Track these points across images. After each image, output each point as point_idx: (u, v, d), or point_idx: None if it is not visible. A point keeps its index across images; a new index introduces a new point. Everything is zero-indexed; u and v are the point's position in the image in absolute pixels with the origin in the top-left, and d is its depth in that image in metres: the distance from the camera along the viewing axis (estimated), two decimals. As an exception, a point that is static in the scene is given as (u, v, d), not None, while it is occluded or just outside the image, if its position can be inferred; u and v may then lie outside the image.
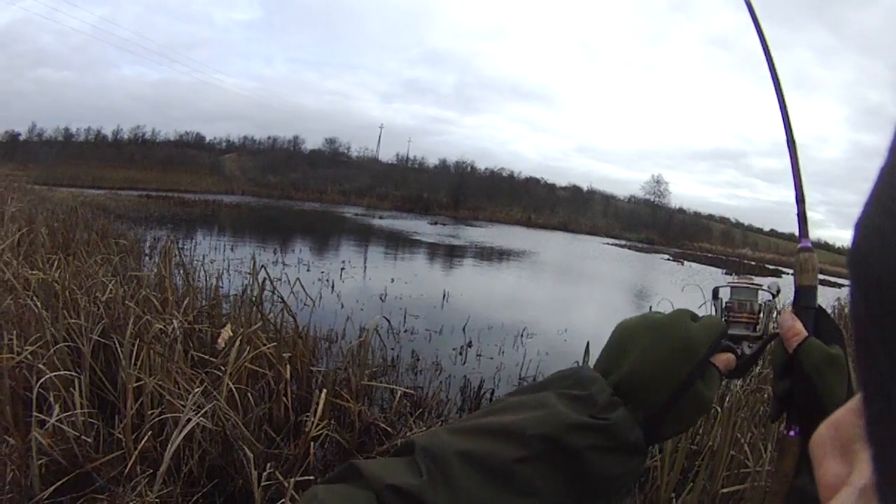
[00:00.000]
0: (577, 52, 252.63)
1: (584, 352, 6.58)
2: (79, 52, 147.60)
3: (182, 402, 3.88)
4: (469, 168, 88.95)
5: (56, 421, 3.64)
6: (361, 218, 45.38)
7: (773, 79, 1.09)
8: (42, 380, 3.88)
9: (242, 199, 50.91)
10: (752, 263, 51.09)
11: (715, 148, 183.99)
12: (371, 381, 5.69)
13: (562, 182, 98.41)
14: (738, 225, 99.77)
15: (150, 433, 3.78)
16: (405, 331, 9.22)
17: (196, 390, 3.92)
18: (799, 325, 0.83)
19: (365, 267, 16.95)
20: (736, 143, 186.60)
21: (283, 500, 3.29)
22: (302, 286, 7.24)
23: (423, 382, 6.50)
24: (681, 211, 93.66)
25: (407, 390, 5.67)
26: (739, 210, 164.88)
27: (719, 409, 4.73)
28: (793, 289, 0.91)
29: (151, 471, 3.54)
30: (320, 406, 4.34)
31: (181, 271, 7.49)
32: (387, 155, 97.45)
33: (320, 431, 4.36)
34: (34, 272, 6.07)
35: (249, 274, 6.76)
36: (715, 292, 0.97)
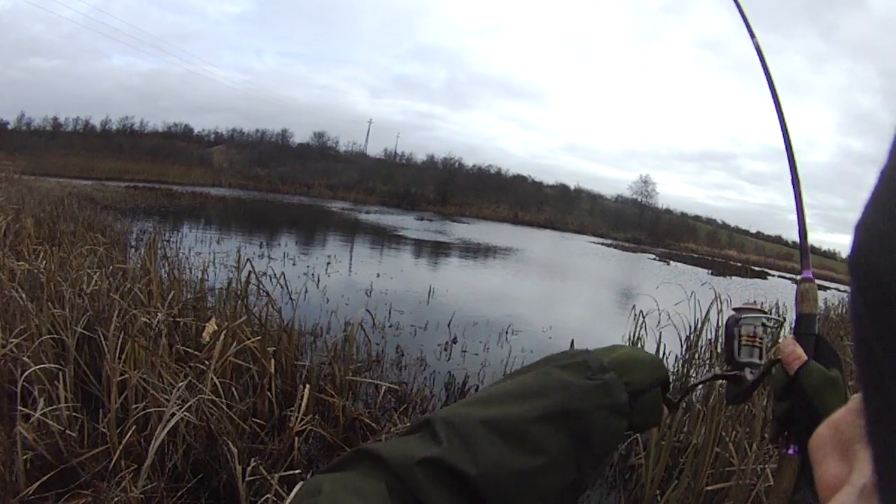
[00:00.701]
0: (568, 51, 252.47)
1: (568, 349, 6.62)
2: (69, 41, 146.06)
3: (166, 397, 3.86)
4: (457, 164, 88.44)
5: (41, 415, 3.62)
6: (348, 212, 45.12)
7: (775, 106, 1.11)
8: (27, 373, 3.86)
9: (230, 191, 50.51)
10: (738, 265, 51.21)
11: (703, 149, 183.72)
12: (356, 376, 5.68)
13: (549, 180, 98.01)
14: (725, 226, 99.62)
15: (134, 427, 3.76)
16: (390, 326, 9.21)
17: (180, 384, 3.90)
18: (800, 350, 0.86)
19: (351, 262, 16.88)
20: (725, 145, 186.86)
21: (267, 494, 3.29)
22: (285, 281, 7.22)
23: (408, 378, 6.50)
24: (668, 211, 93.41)
25: (391, 385, 5.67)
26: (726, 212, 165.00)
27: (703, 408, 4.76)
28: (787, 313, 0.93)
29: (136, 466, 3.52)
30: (304, 401, 4.34)
31: (166, 264, 7.45)
32: (375, 150, 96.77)
33: (305, 426, 4.36)
34: (20, 263, 6.04)
35: (235, 267, 6.74)
36: (729, 322, 1.00)
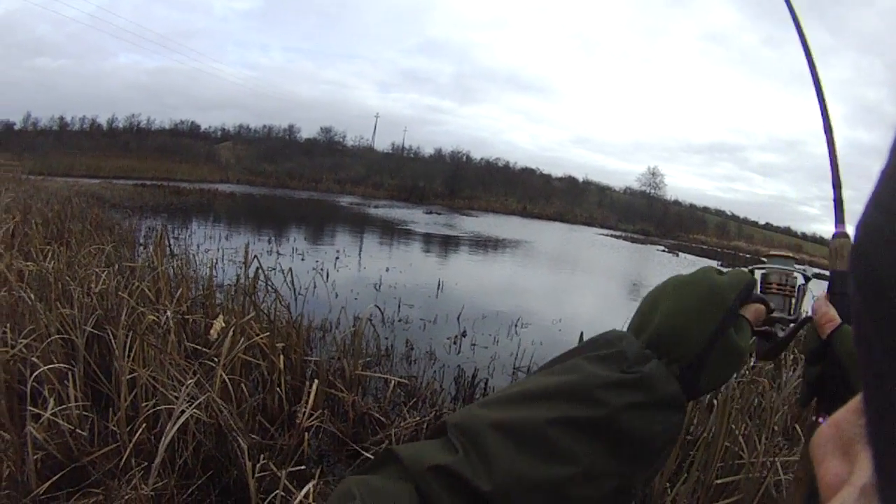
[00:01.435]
0: (575, 44, 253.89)
1: (577, 341, 6.62)
2: (75, 40, 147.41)
3: (176, 394, 3.87)
4: (465, 158, 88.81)
5: (51, 415, 3.63)
6: (356, 207, 45.29)
7: (809, 67, 1.08)
8: (36, 373, 3.87)
9: (237, 187, 50.74)
10: (748, 256, 51.14)
11: (712, 141, 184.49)
12: (365, 370, 5.69)
13: (557, 172, 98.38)
14: (734, 218, 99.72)
15: (144, 425, 3.78)
16: (399, 320, 9.27)
17: (189, 381, 3.92)
18: (833, 312, 0.82)
19: (359, 256, 16.96)
20: (733, 137, 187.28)
21: (276, 490, 3.30)
22: (292, 277, 7.23)
23: (418, 372, 6.49)
24: (676, 203, 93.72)
25: (401, 380, 5.67)
26: (735, 203, 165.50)
27: (714, 401, 4.75)
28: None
29: (146, 463, 3.53)
30: (313, 396, 4.34)
31: (174, 261, 7.47)
32: (382, 144, 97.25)
33: (314, 422, 4.37)
34: (28, 264, 6.06)
35: (243, 264, 6.75)
36: (751, 272, 0.90)
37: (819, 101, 1.04)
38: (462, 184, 77.94)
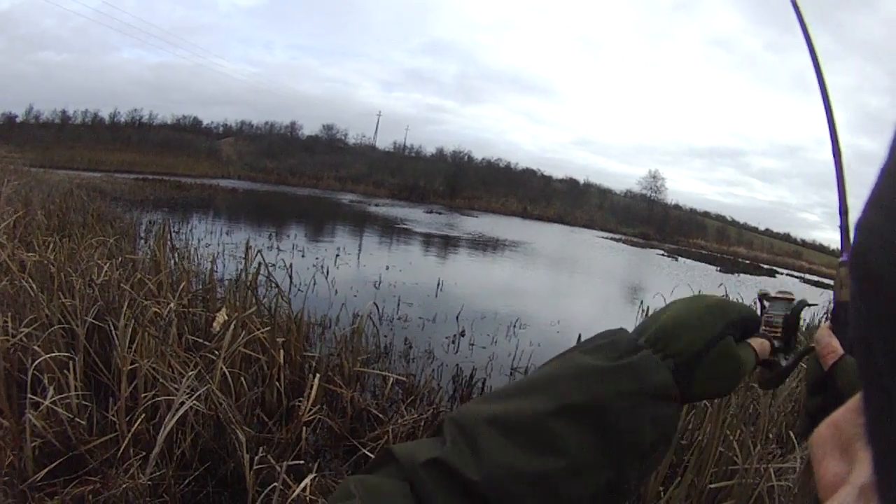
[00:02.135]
0: (579, 47, 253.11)
1: (575, 343, 6.62)
2: (79, 35, 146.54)
3: (175, 386, 3.88)
4: (466, 158, 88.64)
5: (50, 403, 3.64)
6: (357, 205, 45.18)
7: (820, 87, 1.08)
8: (37, 362, 3.88)
9: (239, 183, 50.68)
10: (747, 262, 51.05)
11: (713, 146, 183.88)
12: (364, 367, 5.69)
13: (558, 174, 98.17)
14: (734, 223, 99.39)
15: (143, 416, 3.79)
16: (398, 318, 9.27)
17: (190, 374, 3.92)
18: (836, 343, 0.81)
19: (359, 254, 16.93)
20: (734, 142, 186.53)
21: (274, 483, 3.31)
22: (292, 273, 7.23)
23: (416, 370, 6.52)
24: (677, 207, 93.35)
25: (399, 377, 5.69)
26: (735, 208, 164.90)
27: (708, 405, 4.75)
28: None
29: (144, 454, 3.53)
30: (313, 391, 4.35)
31: (175, 255, 7.47)
32: (384, 142, 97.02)
33: (312, 416, 4.37)
34: (30, 254, 6.06)
35: (244, 258, 6.75)
36: (761, 297, 0.94)
37: (828, 121, 1.04)
38: (463, 184, 77.63)
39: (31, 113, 76.53)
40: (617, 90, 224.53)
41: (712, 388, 0.72)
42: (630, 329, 0.73)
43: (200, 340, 4.94)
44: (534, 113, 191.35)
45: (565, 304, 14.28)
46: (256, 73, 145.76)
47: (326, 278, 9.64)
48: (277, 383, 4.78)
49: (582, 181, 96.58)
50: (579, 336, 5.90)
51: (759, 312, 0.88)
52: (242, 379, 4.56)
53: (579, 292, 17.82)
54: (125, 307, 4.53)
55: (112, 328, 4.44)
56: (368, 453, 4.23)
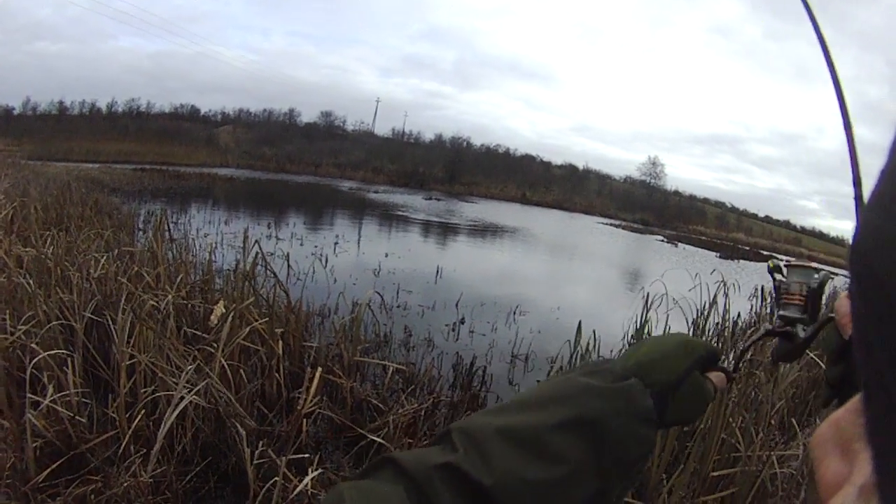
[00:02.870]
0: (579, 32, 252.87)
1: (575, 330, 6.62)
2: (76, 24, 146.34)
3: (175, 380, 3.88)
4: (465, 144, 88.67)
5: (50, 402, 3.63)
6: (356, 192, 45.26)
7: (833, 79, 1.07)
8: (35, 360, 3.87)
9: (237, 171, 50.78)
10: (746, 248, 51.13)
11: (712, 133, 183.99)
12: (363, 356, 5.71)
13: (558, 160, 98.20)
14: (734, 210, 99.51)
15: (143, 412, 3.78)
16: (398, 306, 9.28)
17: (189, 367, 3.93)
18: None
19: (358, 241, 16.96)
20: (734, 130, 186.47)
21: (275, 477, 3.31)
22: (290, 262, 7.22)
23: (416, 358, 6.52)
24: (676, 193, 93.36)
25: (399, 366, 5.69)
26: (734, 195, 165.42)
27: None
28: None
29: (145, 450, 3.54)
30: (314, 383, 4.34)
31: (174, 246, 7.47)
32: (383, 129, 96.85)
33: (313, 408, 4.37)
34: (27, 249, 6.05)
35: (242, 248, 6.75)
36: (772, 269, 0.97)
37: (840, 107, 1.03)
38: (462, 170, 77.73)
39: (28, 105, 76.79)
40: (616, 76, 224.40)
41: (682, 416, 0.82)
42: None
43: (199, 333, 4.93)
44: (532, 99, 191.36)
45: (565, 291, 14.27)
46: (255, 60, 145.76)
47: (325, 267, 9.67)
48: (277, 375, 4.79)
49: (581, 167, 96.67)
50: (580, 323, 5.93)
51: (772, 283, 0.95)
52: (242, 371, 4.57)
53: (579, 279, 17.84)
54: (123, 301, 4.52)
55: (110, 323, 4.43)
56: (375, 441, 4.23)
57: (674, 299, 7.56)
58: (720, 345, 7.86)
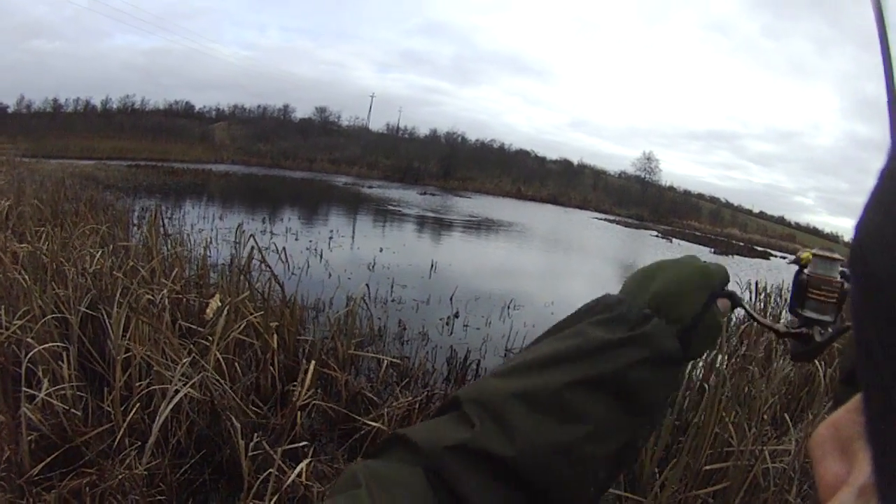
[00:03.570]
0: (576, 28, 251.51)
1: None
2: (72, 22, 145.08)
3: (170, 373, 3.88)
4: (460, 139, 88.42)
5: (45, 395, 3.63)
6: (351, 187, 45.13)
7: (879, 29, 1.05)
8: (31, 354, 3.88)
9: (232, 167, 50.44)
10: (741, 244, 51.09)
11: (709, 129, 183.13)
12: (358, 350, 5.71)
13: (553, 155, 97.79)
14: (728, 205, 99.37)
15: (138, 405, 3.79)
16: (392, 300, 9.26)
17: (184, 361, 3.92)
18: None
19: (353, 236, 16.91)
20: (731, 126, 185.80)
21: (270, 469, 3.32)
22: (287, 256, 7.22)
23: (410, 352, 6.52)
24: (671, 189, 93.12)
25: (393, 360, 5.69)
26: (731, 191, 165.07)
27: (706, 386, 4.77)
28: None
29: (140, 443, 3.54)
30: (308, 376, 4.35)
31: (169, 241, 7.46)
32: (377, 124, 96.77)
33: (308, 401, 4.38)
34: (22, 245, 6.04)
35: (237, 243, 6.74)
36: (798, 261, 0.85)
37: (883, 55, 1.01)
38: (457, 165, 77.30)
39: (22, 103, 76.24)
40: (613, 72, 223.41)
41: (702, 349, 0.77)
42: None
43: (194, 327, 4.93)
44: (529, 94, 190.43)
45: (559, 285, 14.29)
46: (250, 56, 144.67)
47: (320, 261, 9.67)
48: (272, 368, 4.79)
49: (576, 162, 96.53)
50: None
51: (796, 275, 0.84)
52: (236, 364, 4.58)
53: (573, 273, 17.84)
54: (118, 295, 4.53)
55: (105, 317, 4.44)
56: (369, 434, 4.25)
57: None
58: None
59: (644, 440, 0.72)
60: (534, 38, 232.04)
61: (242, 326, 4.84)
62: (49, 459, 3.44)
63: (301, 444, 3.89)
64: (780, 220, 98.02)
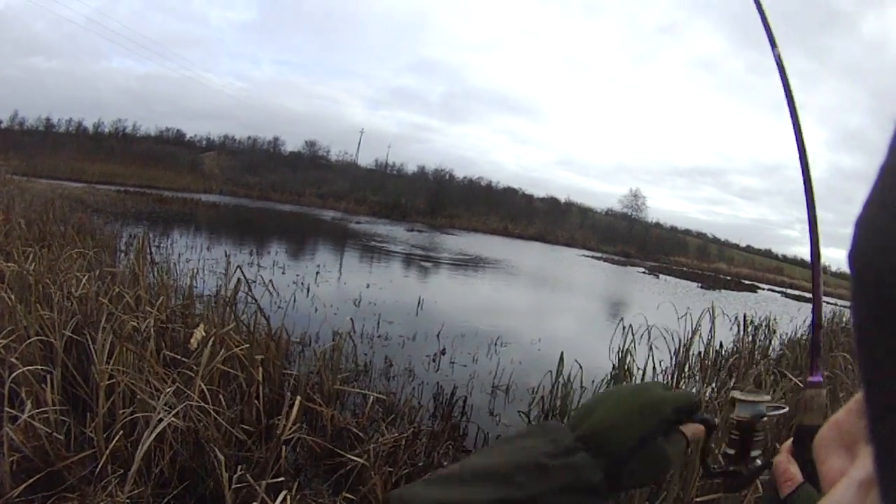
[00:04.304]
0: (565, 68, 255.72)
1: (557, 361, 6.62)
2: (69, 41, 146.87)
3: (154, 402, 3.84)
4: (447, 176, 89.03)
5: (28, 417, 3.59)
6: (339, 222, 45.19)
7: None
8: (14, 374, 3.84)
9: (220, 198, 50.58)
10: (728, 278, 51.51)
11: (695, 165, 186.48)
12: (344, 385, 5.68)
13: (540, 193, 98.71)
14: (715, 240, 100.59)
15: (121, 432, 3.75)
16: (379, 336, 9.22)
17: (168, 390, 3.89)
18: (795, 469, 0.80)
19: (340, 271, 16.87)
20: (716, 161, 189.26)
21: (254, 502, 3.28)
22: (274, 289, 7.20)
23: (396, 388, 6.48)
24: (657, 225, 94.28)
25: (379, 395, 5.65)
26: (717, 226, 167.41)
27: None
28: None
29: (122, 471, 3.50)
30: (294, 410, 4.32)
31: (155, 269, 7.43)
32: (366, 160, 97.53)
33: (292, 435, 4.34)
34: (9, 264, 6.01)
35: (224, 274, 6.72)
36: (732, 402, 0.93)
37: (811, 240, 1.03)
38: (444, 202, 77.67)
39: (15, 119, 76.60)
40: (601, 110, 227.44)
41: (640, 481, 0.76)
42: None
43: (179, 357, 4.89)
44: (518, 132, 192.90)
45: (547, 323, 14.25)
46: (243, 87, 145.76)
47: (307, 295, 9.63)
48: (256, 401, 4.74)
49: (563, 200, 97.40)
50: (561, 354, 5.92)
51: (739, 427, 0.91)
52: (221, 396, 4.52)
53: (561, 310, 17.83)
54: (103, 321, 4.49)
55: (90, 342, 4.40)
56: (354, 469, 4.20)
57: (657, 329, 7.59)
58: (704, 374, 7.89)
59: None
60: (523, 77, 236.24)
61: (227, 358, 4.79)
62: (31, 482, 3.38)
63: (285, 478, 3.85)
64: (767, 253, 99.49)
